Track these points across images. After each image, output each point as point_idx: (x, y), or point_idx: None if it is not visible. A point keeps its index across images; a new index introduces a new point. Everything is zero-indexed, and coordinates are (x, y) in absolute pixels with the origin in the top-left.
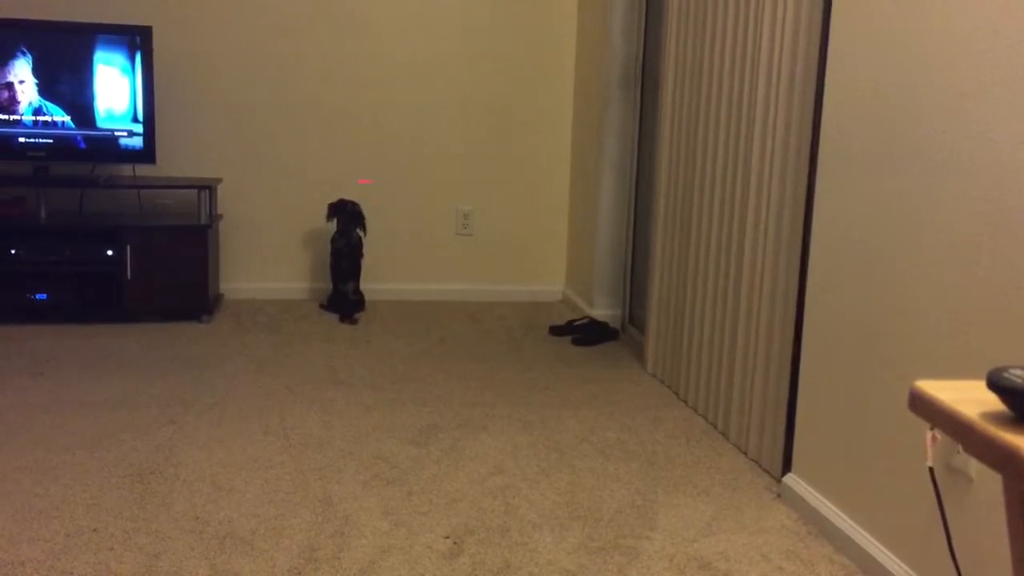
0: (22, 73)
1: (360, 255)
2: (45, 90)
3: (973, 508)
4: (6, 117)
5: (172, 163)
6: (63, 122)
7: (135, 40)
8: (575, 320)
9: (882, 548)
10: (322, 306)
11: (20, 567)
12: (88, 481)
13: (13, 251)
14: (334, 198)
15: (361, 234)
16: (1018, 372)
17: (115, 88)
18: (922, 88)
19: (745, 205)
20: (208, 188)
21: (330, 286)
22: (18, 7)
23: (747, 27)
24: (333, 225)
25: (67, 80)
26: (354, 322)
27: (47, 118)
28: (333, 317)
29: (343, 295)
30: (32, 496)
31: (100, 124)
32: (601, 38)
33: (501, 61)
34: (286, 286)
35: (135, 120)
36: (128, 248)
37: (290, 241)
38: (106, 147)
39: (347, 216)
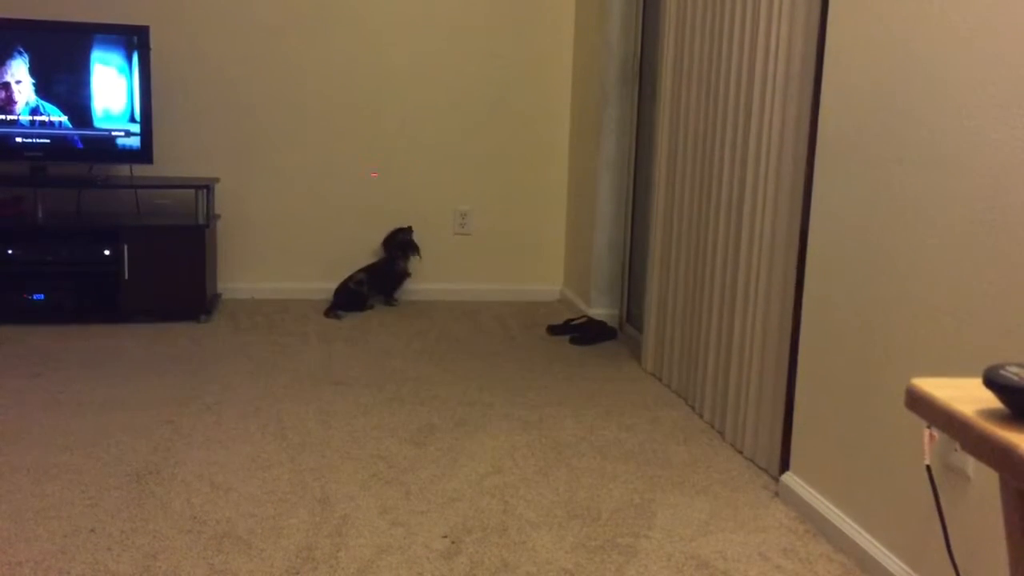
0: (19, 73)
1: (398, 276)
2: (42, 90)
3: (970, 506)
4: (3, 117)
5: (169, 163)
6: (60, 122)
7: (132, 40)
8: (573, 319)
9: (880, 546)
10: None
11: (18, 567)
12: (86, 481)
13: (10, 251)
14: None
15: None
16: (1014, 369)
17: (112, 88)
18: (920, 86)
19: (743, 203)
20: (206, 188)
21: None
22: (15, 7)
23: (744, 25)
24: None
25: (64, 80)
26: (337, 317)
27: (44, 118)
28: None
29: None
30: (30, 496)
31: (97, 124)
32: (599, 37)
33: (499, 60)
34: (284, 286)
35: (132, 120)
36: (125, 248)
37: (288, 241)
38: (103, 147)
39: (397, 246)
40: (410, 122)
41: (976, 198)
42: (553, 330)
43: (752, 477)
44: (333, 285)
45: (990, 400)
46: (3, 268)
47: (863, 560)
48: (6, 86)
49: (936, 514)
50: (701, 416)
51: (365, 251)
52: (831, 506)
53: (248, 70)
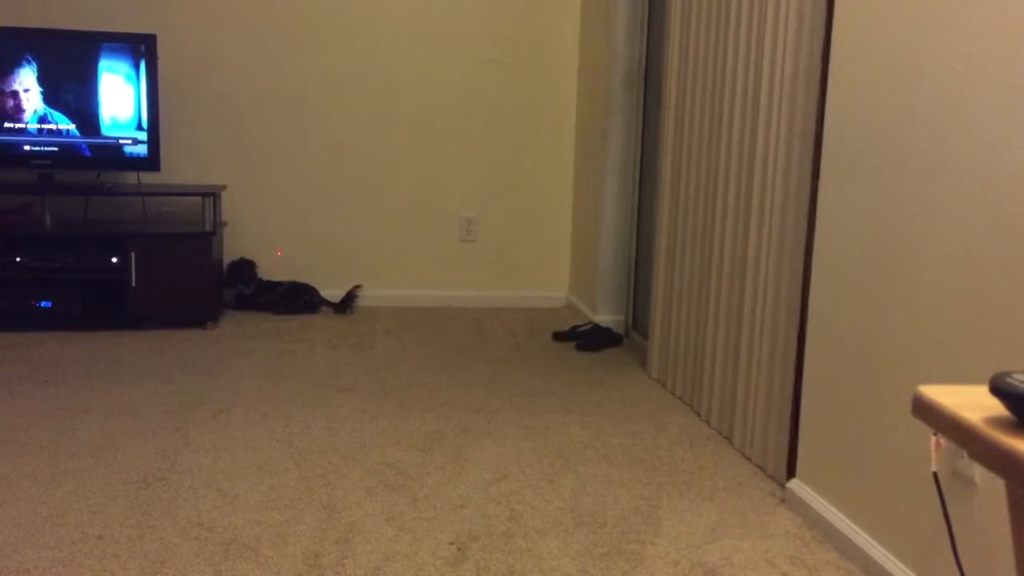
0: (27, 81)
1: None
2: (50, 98)
3: (977, 513)
4: (11, 125)
5: (176, 170)
6: (68, 130)
7: (139, 48)
8: (579, 326)
9: (887, 553)
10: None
11: (25, 574)
12: (93, 488)
13: (18, 258)
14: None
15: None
16: (1021, 377)
17: (120, 96)
18: (924, 93)
19: (748, 210)
20: (212, 195)
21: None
22: (23, 16)
23: (750, 31)
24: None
25: (72, 88)
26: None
27: (52, 126)
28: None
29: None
30: (37, 503)
31: (105, 132)
32: (604, 42)
33: (504, 67)
34: None
35: (140, 128)
36: (133, 255)
37: (295, 247)
38: (111, 155)
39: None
40: (415, 129)
41: (981, 205)
42: (559, 337)
43: (758, 484)
44: (340, 292)
45: (996, 407)
46: (11, 275)
47: (870, 567)
48: (14, 94)
49: (943, 521)
50: (707, 423)
51: (371, 256)
52: (838, 513)
53: (254, 78)
